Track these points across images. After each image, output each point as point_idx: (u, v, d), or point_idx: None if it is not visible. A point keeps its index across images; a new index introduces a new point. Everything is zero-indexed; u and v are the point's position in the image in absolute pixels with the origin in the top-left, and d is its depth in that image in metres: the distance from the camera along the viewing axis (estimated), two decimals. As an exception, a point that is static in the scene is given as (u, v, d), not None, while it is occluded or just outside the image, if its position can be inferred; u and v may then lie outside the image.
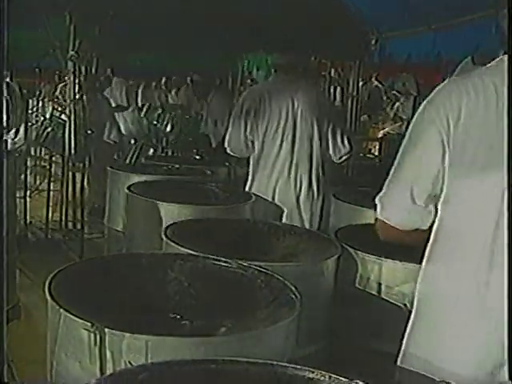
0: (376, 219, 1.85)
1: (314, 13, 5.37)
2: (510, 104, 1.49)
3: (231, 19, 5.60)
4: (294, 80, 3.96)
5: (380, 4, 5.25)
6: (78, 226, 5.83)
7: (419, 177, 1.72)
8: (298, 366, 1.36)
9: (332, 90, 8.29)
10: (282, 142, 3.85)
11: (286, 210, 3.88)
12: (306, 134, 3.88)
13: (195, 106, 8.08)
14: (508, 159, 1.51)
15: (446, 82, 1.74)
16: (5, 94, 5.46)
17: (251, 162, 3.99)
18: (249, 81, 7.21)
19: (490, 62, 1.73)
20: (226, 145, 4.01)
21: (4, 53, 1.43)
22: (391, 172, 1.81)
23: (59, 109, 6.16)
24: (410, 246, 2.06)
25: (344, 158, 4.07)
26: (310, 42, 5.87)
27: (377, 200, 1.84)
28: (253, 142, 3.91)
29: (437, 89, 1.73)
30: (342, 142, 3.99)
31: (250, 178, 4.00)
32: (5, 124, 5.34)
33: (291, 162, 3.88)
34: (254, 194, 3.71)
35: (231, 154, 4.08)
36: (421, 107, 1.76)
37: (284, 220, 3.82)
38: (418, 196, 1.73)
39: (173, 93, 11.68)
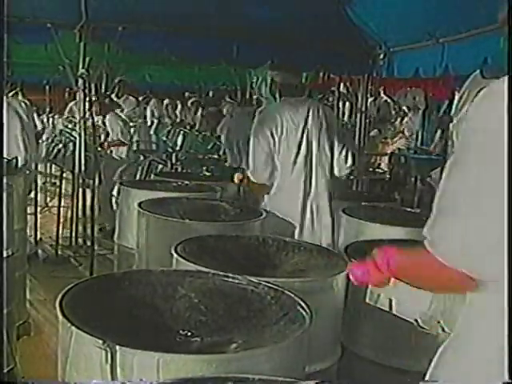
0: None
1: (322, 28, 5.40)
2: (511, 106, 1.42)
3: (240, 34, 5.64)
4: (302, 99, 3.99)
5: (387, 18, 5.27)
6: (88, 243, 5.84)
7: None
8: (310, 382, 1.36)
9: (341, 105, 8.32)
10: (298, 162, 3.87)
11: (297, 226, 3.87)
12: (318, 151, 3.89)
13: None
14: (509, 159, 1.41)
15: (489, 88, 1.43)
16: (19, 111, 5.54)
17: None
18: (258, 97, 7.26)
19: (499, 76, 1.61)
20: (250, 173, 3.94)
21: (3, 64, 1.44)
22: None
23: (69, 126, 6.20)
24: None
25: (346, 172, 4.06)
26: (318, 57, 5.91)
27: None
28: (273, 169, 3.89)
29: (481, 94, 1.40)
30: (346, 157, 3.99)
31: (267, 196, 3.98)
32: (21, 144, 5.39)
33: (309, 179, 3.89)
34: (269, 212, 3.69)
35: (255, 181, 3.95)
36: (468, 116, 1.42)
37: (296, 236, 3.80)
38: None
39: (178, 109, 11.76)
